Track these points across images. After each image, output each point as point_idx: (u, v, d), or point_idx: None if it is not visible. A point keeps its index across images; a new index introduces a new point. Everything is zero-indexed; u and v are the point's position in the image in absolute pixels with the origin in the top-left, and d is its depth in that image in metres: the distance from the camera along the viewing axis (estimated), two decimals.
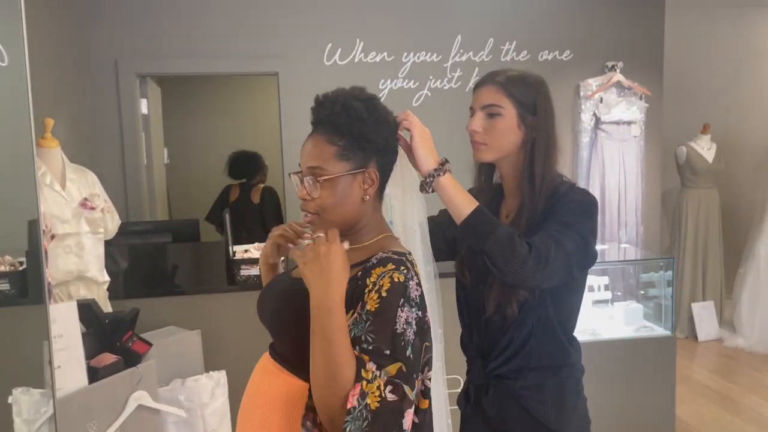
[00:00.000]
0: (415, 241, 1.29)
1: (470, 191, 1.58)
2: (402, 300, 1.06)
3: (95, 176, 2.56)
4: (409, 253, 1.20)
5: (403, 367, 1.03)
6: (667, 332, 3.14)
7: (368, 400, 0.99)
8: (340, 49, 4.18)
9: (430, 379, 1.14)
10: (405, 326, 1.05)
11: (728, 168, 5.14)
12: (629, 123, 4.48)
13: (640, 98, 4.49)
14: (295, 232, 1.33)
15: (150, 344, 2.21)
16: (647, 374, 3.04)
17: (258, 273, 2.90)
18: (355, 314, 1.07)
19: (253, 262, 2.73)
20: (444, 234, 1.52)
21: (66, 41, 3.66)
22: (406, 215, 1.31)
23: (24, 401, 1.93)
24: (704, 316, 4.86)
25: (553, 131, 1.41)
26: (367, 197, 1.18)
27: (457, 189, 1.29)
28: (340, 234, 1.19)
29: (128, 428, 2.09)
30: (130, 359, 2.15)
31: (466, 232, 1.28)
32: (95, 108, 3.93)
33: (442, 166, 1.28)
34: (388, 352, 1.03)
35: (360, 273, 1.11)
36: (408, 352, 1.04)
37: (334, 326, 1.02)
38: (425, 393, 1.13)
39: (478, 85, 1.44)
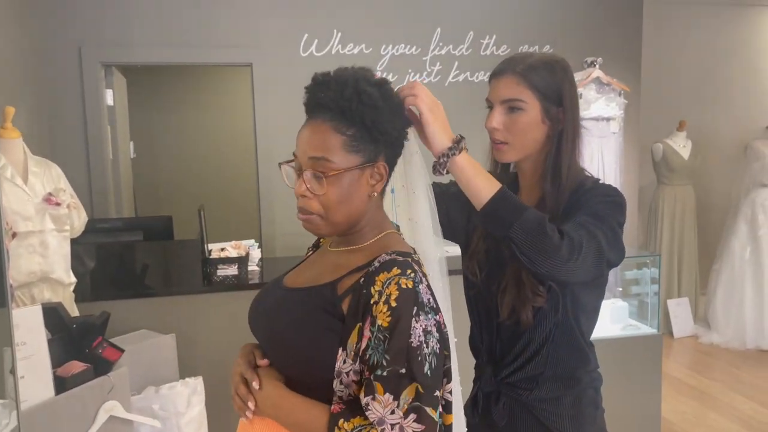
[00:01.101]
0: (423, 235, 1.16)
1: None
2: (415, 309, 0.94)
3: (60, 170, 2.38)
4: (414, 252, 1.08)
5: (420, 388, 0.91)
6: (654, 330, 3.11)
7: None
8: (316, 41, 4.04)
9: (450, 392, 1.03)
10: (421, 337, 0.93)
11: (703, 165, 5.18)
12: (608, 119, 4.45)
13: (619, 94, 4.46)
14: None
15: (122, 350, 2.05)
16: (634, 373, 3.01)
17: (236, 272, 2.76)
18: (367, 335, 0.94)
19: (230, 261, 2.59)
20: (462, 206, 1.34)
21: (27, 27, 3.44)
22: (411, 208, 1.17)
23: None
24: (679, 312, 4.89)
25: (578, 122, 1.27)
26: (375, 194, 1.05)
27: (476, 169, 1.12)
28: (340, 235, 1.08)
29: None
30: (101, 367, 1.99)
31: (489, 218, 1.10)
32: (58, 98, 3.71)
33: (458, 144, 1.11)
34: (403, 371, 0.91)
35: (363, 280, 0.98)
36: (426, 369, 0.92)
37: (284, 411, 0.99)
38: (447, 407, 1.02)
39: (495, 75, 1.28)
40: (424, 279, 1.00)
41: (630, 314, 3.26)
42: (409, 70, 4.24)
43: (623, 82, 4.44)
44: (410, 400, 0.91)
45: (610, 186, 1.27)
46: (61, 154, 3.62)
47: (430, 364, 0.93)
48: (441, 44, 4.28)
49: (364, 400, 0.93)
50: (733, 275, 4.75)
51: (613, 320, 3.15)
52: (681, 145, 4.93)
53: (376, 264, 0.99)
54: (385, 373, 0.92)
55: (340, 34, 4.08)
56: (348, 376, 0.96)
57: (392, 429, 0.91)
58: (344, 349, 0.96)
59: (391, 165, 1.09)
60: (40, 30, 3.61)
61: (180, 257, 2.69)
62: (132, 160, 4.77)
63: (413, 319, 0.93)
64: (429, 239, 1.15)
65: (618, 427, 3.02)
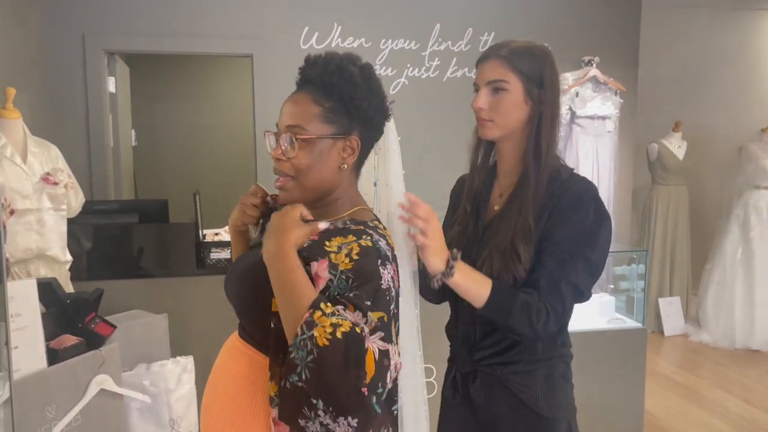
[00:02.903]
0: (397, 226, 1.24)
1: (462, 178, 1.54)
2: (379, 260, 1.03)
3: (59, 151, 2.45)
4: (377, 221, 1.17)
5: (385, 317, 1.00)
6: (639, 324, 3.16)
7: (315, 332, 0.92)
8: (317, 33, 4.10)
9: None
10: (389, 282, 1.02)
11: (697, 166, 5.22)
12: (604, 118, 4.50)
13: (615, 94, 4.51)
14: (260, 208, 1.27)
15: (114, 326, 2.11)
16: (618, 365, 3.05)
17: (229, 256, 2.82)
18: (325, 276, 1.01)
19: (223, 245, 2.65)
20: None
21: (32, 13, 3.50)
22: (388, 201, 1.26)
23: None
24: (671, 311, 4.93)
25: (558, 104, 1.35)
26: (345, 166, 1.13)
27: (470, 280, 1.26)
28: (312, 202, 1.15)
29: (89, 413, 2.00)
30: (93, 342, 2.05)
31: (488, 313, 1.28)
32: (60, 83, 3.77)
33: (450, 269, 1.23)
34: (369, 303, 0.99)
35: (318, 236, 1.07)
36: (392, 307, 1.02)
37: (287, 266, 1.00)
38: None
39: (481, 60, 1.37)
40: (382, 239, 1.08)
41: (618, 309, 3.31)
42: (408, 65, 4.29)
43: (620, 81, 4.49)
44: (376, 320, 0.98)
45: (581, 183, 1.33)
46: (62, 139, 3.65)
47: (396, 305, 1.04)
48: (440, 40, 4.32)
49: (335, 308, 0.98)
50: (725, 275, 4.79)
51: (599, 313, 3.20)
52: (676, 146, 4.97)
53: (332, 227, 1.09)
54: (352, 296, 0.99)
55: (340, 28, 4.13)
56: None
57: (361, 332, 0.95)
58: None
59: (366, 144, 1.16)
60: (44, 16, 3.67)
61: (174, 240, 2.75)
62: (133, 147, 4.83)
63: (380, 267, 1.02)
64: (399, 232, 1.23)
65: (601, 418, 3.09)
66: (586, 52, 4.48)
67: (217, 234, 2.77)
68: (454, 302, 1.46)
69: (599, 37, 4.54)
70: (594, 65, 4.44)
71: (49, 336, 1.94)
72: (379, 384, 0.96)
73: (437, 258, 1.22)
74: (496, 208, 1.40)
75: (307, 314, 0.94)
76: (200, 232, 2.71)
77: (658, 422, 3.42)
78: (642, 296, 3.25)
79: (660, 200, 4.98)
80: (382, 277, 1.01)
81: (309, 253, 1.04)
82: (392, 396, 1.07)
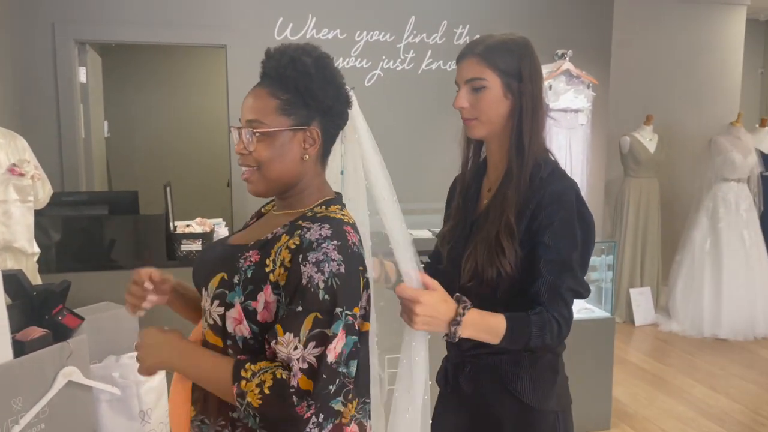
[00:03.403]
0: (361, 215, 1.26)
1: (456, 179, 1.54)
2: (301, 256, 1.04)
3: (25, 142, 2.42)
4: (342, 210, 1.17)
5: (318, 315, 1.02)
6: (607, 314, 3.23)
7: (248, 399, 1.01)
8: (291, 24, 4.09)
9: (368, 301, 1.15)
10: (311, 272, 1.03)
11: (668, 159, 5.30)
12: (576, 111, 4.54)
13: (588, 87, 4.55)
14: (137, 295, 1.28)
15: (82, 318, 2.11)
16: (587, 354, 3.12)
17: (200, 248, 2.82)
18: (271, 299, 1.06)
19: (194, 236, 2.65)
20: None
21: (0, 1, 3.44)
22: (354, 187, 1.28)
23: None
24: (641, 301, 5.03)
25: (540, 95, 1.35)
26: (307, 156, 1.15)
27: (480, 330, 1.26)
28: (278, 194, 1.18)
29: (57, 405, 2.00)
30: (60, 334, 2.05)
31: (507, 346, 1.30)
32: (30, 73, 3.72)
33: (455, 333, 1.24)
34: (300, 308, 1.02)
35: (260, 253, 1.10)
36: (321, 296, 1.02)
37: (183, 366, 1.12)
38: (365, 316, 1.13)
39: (458, 58, 1.38)
40: (311, 230, 1.07)
41: (587, 299, 3.37)
42: (383, 57, 4.30)
43: (592, 75, 4.53)
44: (308, 331, 1.01)
45: (561, 181, 1.34)
46: (32, 130, 3.63)
47: (328, 288, 1.03)
48: (415, 32, 4.34)
49: (270, 347, 1.04)
50: (693, 266, 4.89)
51: None
52: (647, 139, 5.05)
53: (269, 236, 1.11)
54: (284, 315, 1.03)
55: (315, 19, 4.12)
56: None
57: (298, 362, 1.01)
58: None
59: (328, 133, 1.18)
60: (13, 5, 3.61)
61: (145, 232, 2.74)
62: (106, 138, 4.78)
63: (300, 265, 1.04)
64: (363, 214, 1.25)
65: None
66: (559, 45, 4.52)
67: (188, 226, 2.77)
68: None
69: (572, 30, 4.58)
70: (567, 58, 4.48)
71: (15, 328, 1.94)
72: (328, 387, 1.02)
73: (439, 328, 1.24)
74: (485, 202, 1.42)
75: (235, 389, 1.02)
76: (171, 223, 2.70)
77: (626, 408, 3.50)
78: (611, 287, 3.31)
79: (632, 192, 5.06)
80: (302, 276, 1.03)
81: (255, 285, 1.07)
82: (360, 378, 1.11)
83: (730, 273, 4.74)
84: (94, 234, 2.72)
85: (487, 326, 1.26)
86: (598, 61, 4.65)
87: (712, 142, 4.98)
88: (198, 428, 1.15)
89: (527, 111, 1.33)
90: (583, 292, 1.33)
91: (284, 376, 1.00)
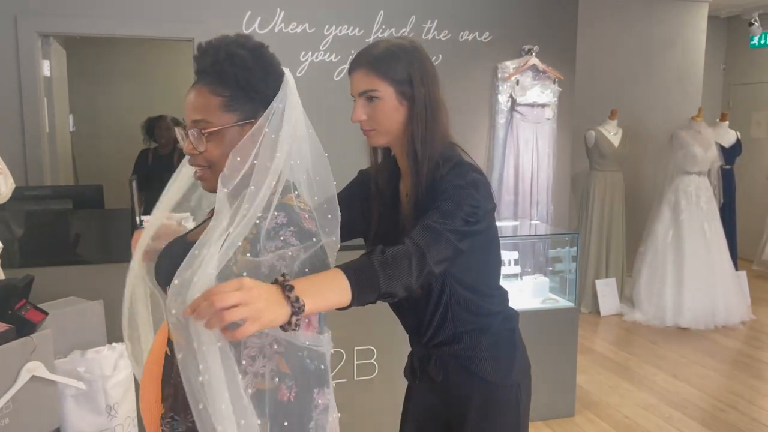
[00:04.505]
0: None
1: (363, 171, 1.55)
2: (258, 246, 1.04)
3: None
4: (293, 194, 1.15)
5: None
6: (571, 304, 3.30)
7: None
8: (259, 18, 4.07)
9: None
10: (271, 262, 1.03)
11: (632, 152, 5.43)
12: (543, 106, 4.63)
13: (554, 82, 4.64)
14: None
15: (46, 313, 2.09)
16: (552, 343, 3.19)
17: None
18: None
19: None
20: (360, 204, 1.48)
21: None
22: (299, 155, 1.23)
23: None
24: (606, 292, 5.14)
25: (436, 95, 1.35)
26: None
27: (319, 293, 1.03)
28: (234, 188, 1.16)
29: (21, 400, 1.98)
30: (23, 329, 2.02)
31: (360, 301, 1.11)
32: None
33: (297, 317, 0.97)
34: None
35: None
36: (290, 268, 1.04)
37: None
38: None
39: (350, 71, 1.37)
40: (275, 216, 1.07)
41: (552, 290, 3.44)
42: (352, 51, 4.26)
43: (558, 70, 4.62)
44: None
45: (465, 167, 1.34)
46: None
47: (290, 273, 1.03)
48: (384, 27, 4.35)
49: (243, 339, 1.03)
50: (656, 258, 5.02)
51: (534, 294, 3.33)
52: (612, 133, 5.15)
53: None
54: None
55: (283, 13, 4.11)
56: None
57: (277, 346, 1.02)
58: None
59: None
60: None
61: (110, 226, 2.72)
62: (72, 132, 4.71)
63: (259, 254, 1.03)
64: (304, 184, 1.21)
65: (535, 393, 3.20)
66: (526, 41, 4.59)
67: None
68: (400, 306, 1.50)
69: (539, 26, 4.65)
70: (533, 54, 4.55)
71: None
72: (297, 353, 1.03)
73: (276, 315, 0.95)
74: (407, 207, 1.43)
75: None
76: (137, 217, 2.69)
77: (590, 396, 3.58)
78: (575, 277, 3.39)
79: (597, 185, 5.17)
80: (261, 265, 1.03)
81: (221, 280, 1.04)
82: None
83: (692, 264, 4.88)
84: (58, 228, 2.69)
85: (320, 284, 1.04)
86: (564, 57, 4.73)
87: (673, 136, 5.11)
88: (169, 425, 1.15)
89: (421, 115, 1.34)
90: (467, 231, 1.25)
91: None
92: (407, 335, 1.56)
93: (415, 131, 1.34)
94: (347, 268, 1.10)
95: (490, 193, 1.36)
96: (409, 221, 1.37)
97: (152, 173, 4.37)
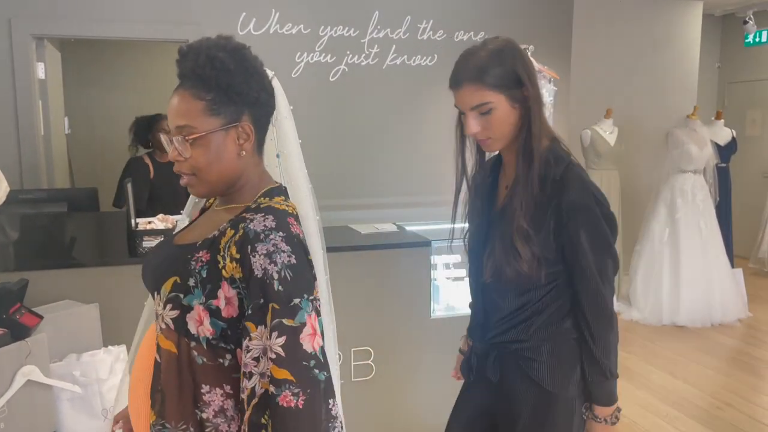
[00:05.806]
0: (302, 196, 1.27)
1: (474, 176, 1.55)
2: (249, 247, 1.03)
3: None
4: (282, 196, 1.16)
5: (275, 305, 1.01)
6: None
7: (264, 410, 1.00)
8: (254, 19, 4.07)
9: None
10: (263, 263, 1.02)
11: (628, 151, 5.43)
12: None
13: (550, 82, 4.63)
14: None
15: (41, 317, 2.09)
16: None
17: None
18: (235, 292, 1.05)
19: (155, 233, 2.63)
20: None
21: None
22: (288, 171, 1.28)
23: None
24: None
25: (539, 90, 1.37)
26: (244, 152, 1.13)
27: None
28: (221, 193, 1.16)
29: (16, 404, 1.98)
30: (18, 332, 2.02)
31: (603, 373, 1.41)
32: None
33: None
34: (261, 301, 1.02)
35: (209, 253, 1.09)
36: (276, 287, 1.02)
37: None
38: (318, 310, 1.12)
39: (454, 86, 1.36)
40: (254, 221, 1.07)
41: None
42: (347, 52, 4.31)
43: (554, 69, 4.61)
44: (270, 321, 1.01)
45: (578, 189, 1.36)
46: None
47: (281, 279, 1.02)
48: (379, 27, 4.35)
49: (244, 344, 1.03)
50: (653, 256, 5.02)
51: None
52: (608, 132, 5.16)
53: (216, 233, 1.10)
54: (250, 311, 1.03)
55: (278, 14, 4.11)
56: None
57: (271, 351, 1.00)
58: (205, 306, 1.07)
59: (259, 124, 1.16)
60: None
61: (105, 229, 2.72)
62: (67, 135, 4.70)
63: (250, 256, 1.03)
64: (306, 201, 1.25)
65: None
66: (521, 40, 4.51)
67: (150, 222, 2.75)
68: (476, 299, 1.53)
69: (534, 25, 4.65)
70: (529, 54, 4.55)
71: None
72: (302, 362, 1.01)
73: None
74: (502, 200, 1.44)
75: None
76: (132, 220, 2.68)
77: None
78: None
79: None
80: (253, 269, 1.02)
81: (212, 284, 1.06)
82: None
83: (688, 262, 4.88)
84: (54, 231, 2.69)
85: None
86: (560, 57, 4.73)
87: (669, 134, 5.12)
88: None
89: (535, 113, 1.34)
90: (612, 277, 1.40)
91: (270, 391, 0.99)
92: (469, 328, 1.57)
93: (534, 129, 1.34)
94: (594, 382, 1.42)
95: (606, 201, 1.40)
96: (501, 215, 1.40)
97: (161, 191, 3.68)
